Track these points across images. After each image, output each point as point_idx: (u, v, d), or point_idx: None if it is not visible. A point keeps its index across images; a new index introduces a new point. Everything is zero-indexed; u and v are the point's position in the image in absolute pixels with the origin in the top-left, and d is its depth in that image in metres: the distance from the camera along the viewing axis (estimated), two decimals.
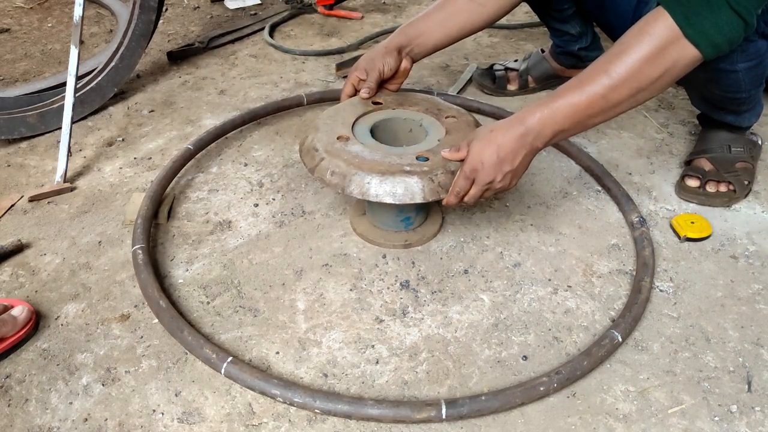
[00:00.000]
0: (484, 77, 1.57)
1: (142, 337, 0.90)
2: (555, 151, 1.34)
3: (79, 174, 1.28)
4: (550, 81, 1.54)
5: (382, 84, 1.13)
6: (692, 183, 1.18)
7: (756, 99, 1.15)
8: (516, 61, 1.58)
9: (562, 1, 1.34)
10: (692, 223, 1.09)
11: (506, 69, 1.56)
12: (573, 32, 1.40)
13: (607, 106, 0.86)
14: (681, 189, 1.19)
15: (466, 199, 0.92)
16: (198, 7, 2.27)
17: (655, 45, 0.82)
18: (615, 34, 1.33)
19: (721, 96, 1.11)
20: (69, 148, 1.25)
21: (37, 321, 0.91)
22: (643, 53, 0.82)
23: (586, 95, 0.85)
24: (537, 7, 1.41)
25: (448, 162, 0.93)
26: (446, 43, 1.16)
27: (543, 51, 1.55)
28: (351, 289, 0.99)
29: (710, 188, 1.17)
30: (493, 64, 1.59)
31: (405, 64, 1.12)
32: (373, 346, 0.89)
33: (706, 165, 1.19)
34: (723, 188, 1.17)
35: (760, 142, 1.26)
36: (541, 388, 0.79)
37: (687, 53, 0.83)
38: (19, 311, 0.87)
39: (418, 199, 0.90)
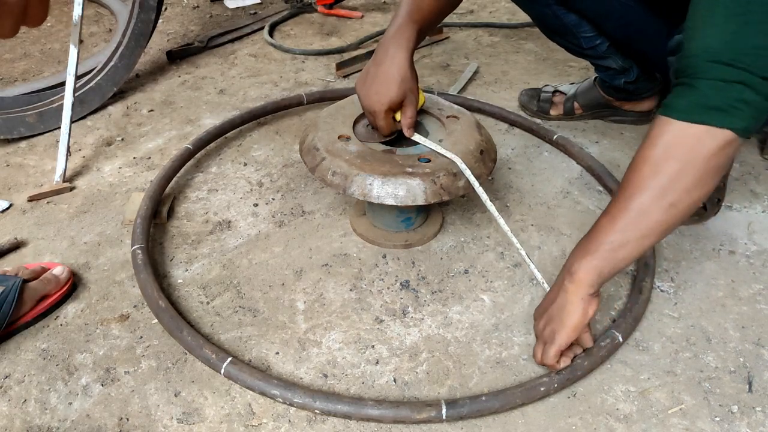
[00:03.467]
0: (529, 97, 1.49)
1: (141, 337, 0.90)
2: (556, 151, 1.34)
3: (78, 174, 1.27)
4: (598, 110, 1.44)
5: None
6: None
7: None
8: (572, 84, 1.48)
9: (591, 38, 1.27)
10: None
11: (555, 92, 1.47)
12: (615, 66, 1.31)
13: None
14: None
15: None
16: (197, 6, 2.26)
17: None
18: (650, 63, 1.28)
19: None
20: (68, 147, 1.25)
21: (74, 281, 0.98)
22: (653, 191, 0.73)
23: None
24: (570, 48, 1.34)
25: (450, 164, 0.93)
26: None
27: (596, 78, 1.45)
28: (351, 289, 0.99)
29: None
30: (545, 85, 1.49)
31: None
32: (373, 347, 0.89)
33: None
34: None
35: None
36: (542, 389, 0.79)
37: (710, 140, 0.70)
38: (60, 271, 0.96)
39: (420, 201, 0.90)
